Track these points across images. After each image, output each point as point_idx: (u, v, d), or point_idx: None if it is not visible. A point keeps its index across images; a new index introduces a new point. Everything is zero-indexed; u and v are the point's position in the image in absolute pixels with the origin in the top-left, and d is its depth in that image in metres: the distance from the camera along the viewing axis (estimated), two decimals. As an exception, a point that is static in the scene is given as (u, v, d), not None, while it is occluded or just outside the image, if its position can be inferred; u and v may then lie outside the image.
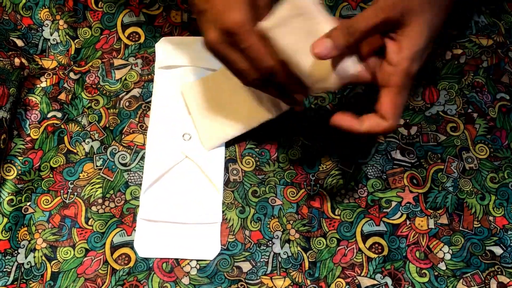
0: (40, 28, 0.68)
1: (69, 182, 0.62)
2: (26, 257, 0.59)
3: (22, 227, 0.60)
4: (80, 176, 0.62)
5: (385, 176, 0.62)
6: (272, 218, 0.61)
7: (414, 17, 0.42)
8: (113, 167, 0.63)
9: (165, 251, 0.59)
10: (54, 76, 0.68)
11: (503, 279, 0.58)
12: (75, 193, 0.62)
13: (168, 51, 0.67)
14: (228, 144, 0.63)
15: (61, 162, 0.63)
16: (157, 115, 0.64)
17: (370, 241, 0.60)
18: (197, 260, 0.58)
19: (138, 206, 0.61)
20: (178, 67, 0.66)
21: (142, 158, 0.63)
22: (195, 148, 0.62)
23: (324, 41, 0.43)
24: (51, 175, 0.62)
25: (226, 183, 0.62)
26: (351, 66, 0.45)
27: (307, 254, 0.59)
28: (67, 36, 0.69)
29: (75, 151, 0.64)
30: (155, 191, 0.61)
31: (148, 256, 0.58)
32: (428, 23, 0.43)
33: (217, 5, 0.45)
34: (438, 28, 0.44)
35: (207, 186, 0.61)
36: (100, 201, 0.61)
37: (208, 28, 0.46)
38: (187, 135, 0.63)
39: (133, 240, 0.59)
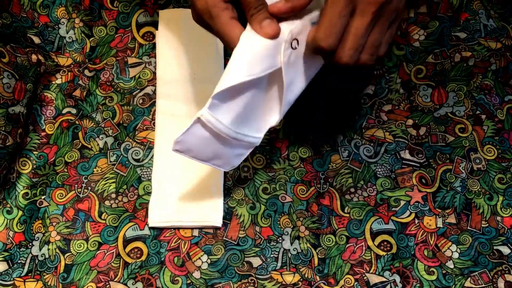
0: (57, 26, 0.70)
1: (83, 177, 0.63)
2: (40, 250, 0.60)
3: (37, 220, 0.61)
4: (94, 171, 0.64)
5: (394, 176, 0.63)
6: (282, 214, 0.61)
7: None
8: (127, 162, 0.64)
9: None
10: (69, 73, 0.69)
11: (511, 278, 0.58)
12: (89, 188, 0.63)
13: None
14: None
15: (75, 157, 0.64)
16: None
17: (379, 239, 0.60)
18: (208, 255, 0.59)
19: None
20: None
21: (155, 154, 0.64)
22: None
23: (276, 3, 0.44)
24: (65, 170, 0.64)
25: (237, 179, 0.63)
26: None
27: (317, 251, 0.60)
28: (82, 34, 0.70)
29: (89, 146, 0.65)
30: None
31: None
32: None
33: None
34: None
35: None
36: (113, 195, 0.62)
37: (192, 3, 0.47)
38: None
39: (146, 235, 0.60)
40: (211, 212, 0.61)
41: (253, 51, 0.45)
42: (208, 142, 0.50)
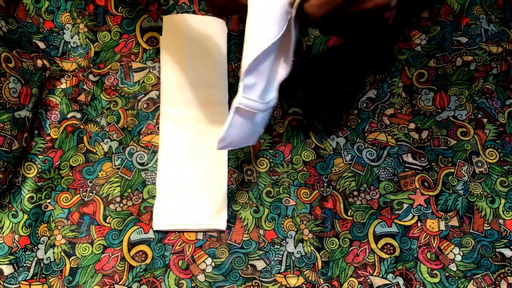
0: (61, 31, 0.70)
1: (88, 181, 0.64)
2: (45, 253, 0.60)
3: (42, 223, 0.62)
4: (99, 175, 0.64)
5: (396, 179, 0.64)
6: (286, 218, 0.62)
7: None
8: (131, 166, 0.64)
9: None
10: (74, 78, 0.70)
11: (513, 280, 0.59)
12: (94, 191, 0.63)
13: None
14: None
15: (80, 161, 0.65)
16: None
17: (382, 242, 0.61)
18: (212, 258, 0.60)
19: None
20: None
21: (160, 158, 0.65)
22: None
23: None
24: (70, 174, 0.64)
25: (241, 183, 0.63)
26: None
27: (320, 254, 0.60)
28: (87, 40, 0.71)
29: (94, 150, 0.65)
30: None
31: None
32: None
33: None
34: None
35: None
36: (118, 199, 0.63)
37: None
38: None
39: (150, 238, 0.61)
40: (215, 216, 0.61)
41: (267, 15, 0.46)
42: (246, 126, 0.52)
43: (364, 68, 0.70)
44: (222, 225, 0.61)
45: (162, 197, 0.62)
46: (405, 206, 0.62)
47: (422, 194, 0.63)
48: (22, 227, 0.61)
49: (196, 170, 0.63)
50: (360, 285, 0.59)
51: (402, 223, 0.62)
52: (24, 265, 0.60)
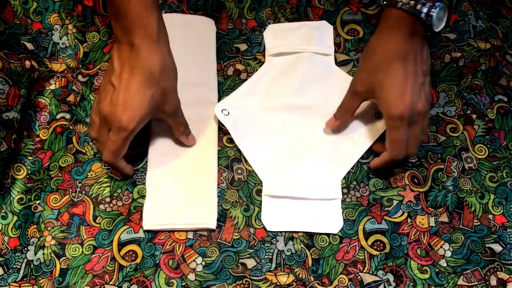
0: (50, 32, 0.70)
1: (78, 181, 0.64)
2: (35, 254, 0.60)
3: (32, 224, 0.62)
4: (88, 175, 0.64)
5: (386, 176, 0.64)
6: (276, 216, 0.62)
7: (379, 90, 0.57)
8: (121, 166, 0.64)
9: (291, 225, 0.61)
10: (63, 78, 0.70)
11: (503, 275, 0.59)
12: (83, 192, 0.63)
13: (277, 38, 0.71)
14: (233, 144, 0.65)
15: (69, 161, 0.65)
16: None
17: (372, 239, 0.61)
18: (203, 257, 0.60)
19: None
20: (289, 54, 0.69)
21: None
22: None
23: (331, 119, 0.64)
24: (60, 175, 0.64)
25: (231, 182, 0.63)
26: None
27: (311, 251, 0.60)
28: (75, 40, 0.71)
29: (83, 151, 0.65)
30: (275, 167, 0.64)
31: (276, 229, 0.61)
32: (397, 85, 0.56)
33: (122, 97, 0.54)
34: (418, 70, 0.57)
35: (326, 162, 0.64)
36: (107, 199, 0.63)
37: (106, 100, 0.56)
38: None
39: (141, 238, 0.60)
40: (205, 214, 0.61)
41: None
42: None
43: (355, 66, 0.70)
44: (212, 224, 0.61)
45: (152, 196, 0.62)
46: (395, 202, 0.62)
47: (412, 191, 0.63)
48: (12, 229, 0.61)
49: (186, 169, 0.63)
50: (350, 282, 0.59)
51: (392, 219, 0.62)
52: (14, 266, 0.60)
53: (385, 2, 0.57)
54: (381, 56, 0.57)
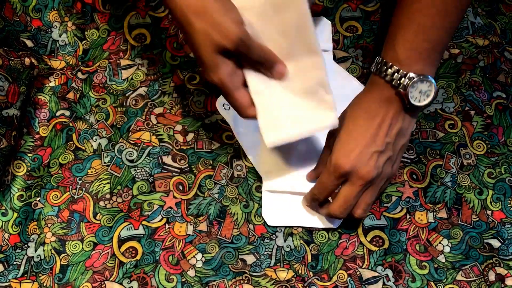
0: (49, 30, 0.70)
1: (78, 178, 0.64)
2: (36, 251, 0.60)
3: (32, 221, 0.62)
4: (88, 172, 0.64)
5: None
6: (276, 212, 0.62)
7: (336, 139, 0.56)
8: (121, 163, 0.64)
9: (292, 220, 0.61)
10: (62, 76, 0.70)
11: (501, 270, 0.59)
12: (84, 189, 0.63)
13: None
14: (233, 140, 0.65)
15: (69, 158, 0.65)
16: None
17: (371, 235, 0.61)
18: (203, 253, 0.60)
19: (145, 201, 0.62)
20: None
21: (149, 154, 0.65)
22: None
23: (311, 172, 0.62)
24: (60, 171, 0.64)
25: (230, 178, 0.64)
26: None
27: (310, 247, 0.60)
28: (75, 37, 0.71)
29: (83, 148, 0.65)
30: (275, 163, 0.63)
31: (277, 224, 0.61)
32: (350, 140, 0.54)
33: (205, 61, 0.50)
34: (380, 138, 0.54)
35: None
36: (107, 196, 0.63)
37: (203, 71, 0.53)
38: None
39: (140, 234, 0.61)
40: (323, 112, 0.55)
41: None
42: None
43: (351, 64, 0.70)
44: (333, 121, 0.55)
45: (264, 111, 0.55)
46: (393, 198, 0.63)
47: (411, 187, 0.63)
48: (12, 226, 0.62)
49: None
50: (349, 278, 0.59)
51: (391, 215, 0.62)
52: (14, 263, 0.60)
53: (373, 70, 0.54)
54: (350, 111, 0.56)
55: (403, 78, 0.51)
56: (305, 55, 0.53)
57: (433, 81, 0.52)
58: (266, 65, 0.53)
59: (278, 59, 0.53)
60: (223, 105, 0.65)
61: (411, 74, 0.51)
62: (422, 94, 0.52)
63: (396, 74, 0.51)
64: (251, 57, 0.51)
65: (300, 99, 0.55)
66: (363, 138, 0.54)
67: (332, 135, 0.58)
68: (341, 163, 0.54)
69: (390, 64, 0.52)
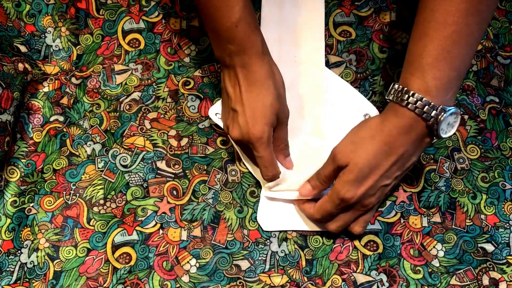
0: (43, 35, 0.70)
1: (71, 184, 0.64)
2: (29, 257, 0.60)
3: (25, 227, 0.62)
4: (82, 177, 0.64)
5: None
6: (270, 217, 0.62)
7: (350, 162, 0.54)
8: (114, 168, 0.64)
9: (287, 224, 0.62)
10: (56, 81, 0.70)
11: (495, 275, 0.59)
12: (77, 194, 0.63)
13: None
14: (227, 145, 0.65)
15: (63, 164, 0.65)
16: None
17: (365, 239, 0.61)
18: (197, 259, 0.60)
19: (139, 206, 0.62)
20: None
21: (143, 159, 0.65)
22: None
23: (306, 188, 0.60)
24: (53, 177, 0.64)
25: (225, 183, 0.64)
26: None
27: (304, 252, 0.60)
28: (69, 43, 0.71)
29: (77, 153, 0.65)
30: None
31: (272, 229, 0.61)
32: (363, 170, 0.53)
33: (247, 114, 0.56)
34: (392, 172, 0.55)
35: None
36: (101, 201, 0.63)
37: (234, 125, 0.58)
38: None
39: (134, 240, 0.61)
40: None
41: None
42: None
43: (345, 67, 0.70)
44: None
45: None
46: (388, 203, 0.63)
47: (405, 191, 0.63)
48: (5, 232, 0.61)
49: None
50: (343, 282, 0.59)
51: (385, 220, 0.62)
52: (7, 269, 0.60)
53: (390, 98, 0.53)
54: (364, 143, 0.54)
55: (434, 111, 0.50)
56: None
57: (459, 113, 0.52)
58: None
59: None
60: (216, 114, 0.65)
61: (444, 107, 0.50)
62: (449, 126, 0.52)
63: (419, 102, 0.50)
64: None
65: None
66: (375, 174, 0.54)
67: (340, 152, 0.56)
68: (348, 196, 0.54)
69: (413, 93, 0.50)
